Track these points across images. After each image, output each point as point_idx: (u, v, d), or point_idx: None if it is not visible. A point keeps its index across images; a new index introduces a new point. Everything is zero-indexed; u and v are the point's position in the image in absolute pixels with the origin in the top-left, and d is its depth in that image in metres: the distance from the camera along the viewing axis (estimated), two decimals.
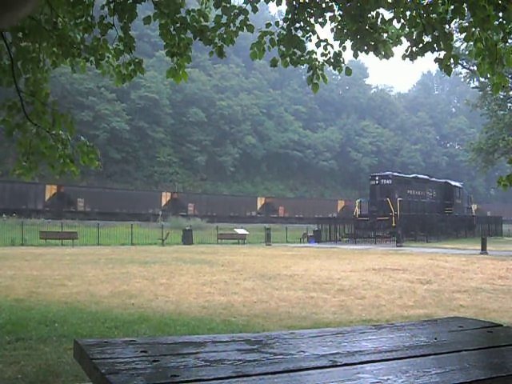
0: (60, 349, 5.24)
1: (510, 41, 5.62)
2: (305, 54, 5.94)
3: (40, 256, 18.32)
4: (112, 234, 31.18)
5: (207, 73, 70.96)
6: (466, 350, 1.89)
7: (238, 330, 6.36)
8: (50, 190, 44.04)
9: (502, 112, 34.11)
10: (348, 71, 6.02)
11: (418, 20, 5.43)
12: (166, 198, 51.09)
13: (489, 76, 5.81)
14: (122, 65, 6.19)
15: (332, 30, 5.80)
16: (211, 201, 54.05)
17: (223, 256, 19.53)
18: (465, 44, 23.93)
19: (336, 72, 6.45)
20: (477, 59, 5.60)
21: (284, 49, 5.83)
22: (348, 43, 5.78)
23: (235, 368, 1.57)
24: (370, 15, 5.57)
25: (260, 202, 58.20)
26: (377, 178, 36.01)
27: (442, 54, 5.56)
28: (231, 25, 5.73)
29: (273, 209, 58.18)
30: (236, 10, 5.69)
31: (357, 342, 2.00)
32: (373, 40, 5.60)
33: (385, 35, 5.69)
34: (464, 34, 5.67)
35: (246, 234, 33.80)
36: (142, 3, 5.63)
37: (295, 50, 5.85)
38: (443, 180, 44.18)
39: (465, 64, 30.90)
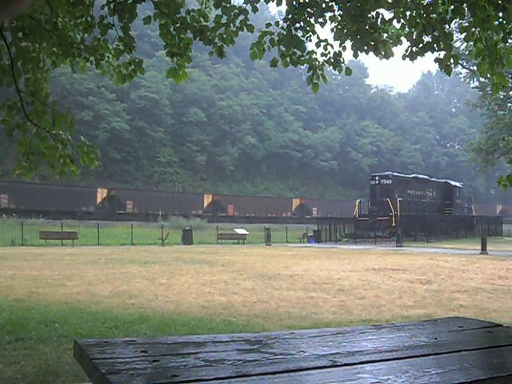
0: (60, 349, 5.24)
1: (510, 41, 5.62)
2: (305, 54, 5.94)
3: (40, 256, 18.32)
4: (112, 233, 31.17)
5: (207, 73, 70.95)
6: (466, 350, 1.89)
7: (238, 330, 6.36)
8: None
9: (502, 112, 34.10)
10: (348, 71, 6.02)
11: (418, 20, 5.44)
12: (101, 194, 48.59)
13: (489, 76, 5.82)
14: (121, 65, 6.19)
15: (332, 30, 5.80)
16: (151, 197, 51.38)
17: (223, 256, 19.52)
18: (465, 44, 23.93)
19: (336, 72, 6.45)
20: (477, 59, 5.60)
21: (284, 49, 5.83)
22: (348, 43, 5.79)
23: (235, 368, 1.57)
24: (370, 15, 5.58)
25: (207, 199, 55.66)
26: (377, 178, 36.01)
27: (442, 54, 5.57)
28: (231, 25, 5.73)
29: (221, 207, 55.54)
30: (236, 10, 5.69)
31: (357, 342, 2.00)
32: (373, 40, 5.60)
33: (385, 35, 5.69)
34: (464, 34, 5.67)
35: (246, 234, 33.79)
36: (142, 3, 5.63)
37: (295, 49, 5.84)
38: (443, 180, 44.17)
39: (465, 64, 30.90)
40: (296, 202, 60.58)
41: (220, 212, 53.31)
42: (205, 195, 54.57)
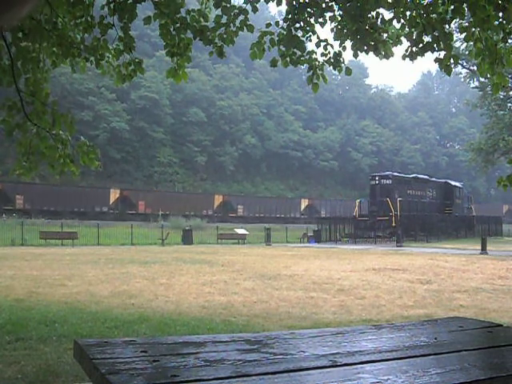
0: (60, 349, 5.24)
1: (510, 41, 5.62)
2: (305, 54, 5.94)
3: (40, 256, 18.32)
4: (112, 233, 31.17)
5: (207, 73, 70.95)
6: (466, 350, 1.89)
7: (238, 330, 6.36)
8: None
9: (502, 112, 34.10)
10: (348, 71, 6.02)
11: (418, 20, 5.43)
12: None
13: (489, 76, 5.81)
14: (121, 65, 6.18)
15: (332, 29, 5.80)
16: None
17: (223, 256, 19.53)
18: (465, 44, 23.93)
19: (336, 72, 6.44)
20: (477, 59, 5.60)
21: (284, 49, 5.82)
22: (348, 43, 5.78)
23: (235, 368, 1.57)
24: (370, 15, 5.57)
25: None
26: (377, 178, 36.01)
27: (442, 54, 5.57)
28: (231, 25, 5.72)
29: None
30: (236, 10, 5.69)
31: (357, 342, 2.00)
32: (373, 40, 5.60)
33: (385, 35, 5.69)
34: (464, 34, 5.67)
35: (245, 234, 33.79)
36: (142, 3, 5.62)
37: (295, 49, 5.84)
38: (443, 180, 44.18)
39: (465, 64, 30.89)
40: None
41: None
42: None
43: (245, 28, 5.74)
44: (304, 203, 60.62)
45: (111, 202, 47.14)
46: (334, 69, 6.05)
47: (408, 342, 2.02)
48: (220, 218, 49.73)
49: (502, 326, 2.46)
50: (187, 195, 54.35)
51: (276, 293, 9.93)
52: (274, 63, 5.93)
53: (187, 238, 30.22)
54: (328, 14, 5.69)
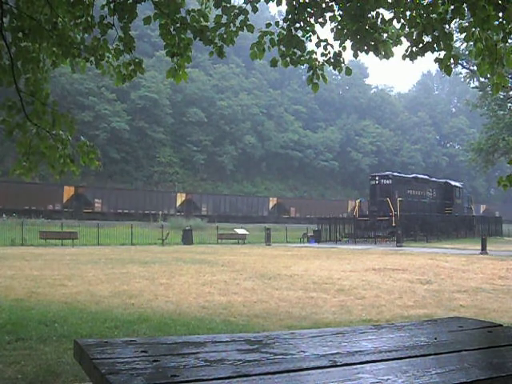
0: (60, 349, 5.24)
1: (510, 41, 5.61)
2: (305, 54, 5.93)
3: (40, 256, 18.32)
4: (112, 234, 31.17)
5: (207, 73, 70.94)
6: (466, 350, 1.89)
7: (238, 330, 6.36)
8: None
9: (502, 112, 34.09)
10: (348, 71, 6.02)
11: (417, 20, 5.43)
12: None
13: (489, 76, 5.81)
14: (121, 65, 6.18)
15: (332, 29, 5.79)
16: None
17: (223, 256, 19.53)
18: (465, 44, 23.99)
19: (336, 72, 6.44)
20: (477, 59, 5.59)
21: (284, 49, 5.82)
22: (348, 43, 5.78)
23: (235, 368, 1.57)
24: (370, 15, 5.57)
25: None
26: (377, 178, 36.00)
27: (442, 54, 5.57)
28: (231, 25, 5.72)
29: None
30: (236, 10, 5.68)
31: (357, 342, 2.00)
32: (373, 40, 5.59)
33: (385, 35, 5.69)
34: (464, 34, 5.67)
35: (246, 234, 33.81)
36: (142, 3, 5.62)
37: (295, 49, 5.84)
38: (443, 180, 44.18)
39: (465, 64, 30.90)
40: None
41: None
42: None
43: (245, 28, 5.74)
44: (272, 202, 58.91)
45: (65, 200, 44.32)
46: (334, 69, 6.05)
47: (408, 342, 2.02)
48: (184, 217, 46.47)
49: (501, 325, 2.46)
50: (148, 193, 51.60)
51: (276, 293, 9.93)
52: (273, 63, 5.92)
53: (187, 238, 30.23)
54: (328, 14, 5.68)
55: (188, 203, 52.00)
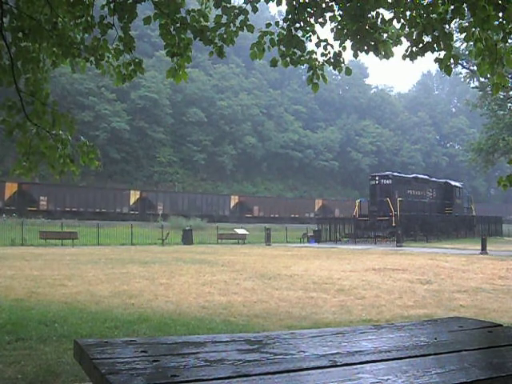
0: (60, 349, 5.24)
1: (510, 41, 5.61)
2: (305, 54, 5.93)
3: (40, 256, 18.31)
4: (112, 234, 31.18)
5: (207, 73, 70.97)
6: (466, 350, 1.89)
7: (238, 330, 6.36)
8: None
9: (502, 112, 34.09)
10: (348, 71, 6.02)
11: (418, 20, 5.43)
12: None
13: (489, 76, 5.81)
14: (121, 65, 6.18)
15: (332, 29, 5.79)
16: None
17: (223, 256, 19.53)
18: (465, 44, 23.98)
19: (336, 72, 6.44)
20: (477, 59, 5.59)
21: (284, 49, 5.82)
22: (348, 43, 5.78)
23: (235, 368, 1.57)
24: (370, 15, 5.57)
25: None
26: (377, 178, 36.01)
27: (442, 54, 5.56)
28: (231, 25, 5.72)
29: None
30: (236, 10, 5.68)
31: (357, 342, 2.00)
32: (373, 40, 5.59)
33: (385, 35, 5.69)
34: (464, 34, 5.66)
35: (246, 234, 33.82)
36: (142, 3, 5.62)
37: (295, 50, 5.84)
38: (443, 180, 44.18)
39: (465, 64, 30.89)
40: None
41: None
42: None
43: (245, 28, 5.74)
44: (234, 201, 56.20)
45: (6, 198, 41.76)
46: (334, 69, 6.05)
47: (408, 342, 2.01)
48: (137, 217, 45.22)
49: (501, 325, 2.46)
50: (100, 190, 48.03)
51: (276, 293, 9.93)
52: (273, 63, 5.92)
53: (187, 238, 30.23)
54: (328, 14, 5.68)
55: (142, 201, 49.26)
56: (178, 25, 5.72)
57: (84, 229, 31.37)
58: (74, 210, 43.84)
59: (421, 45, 5.52)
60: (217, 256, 19.52)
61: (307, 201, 62.55)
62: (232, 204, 55.83)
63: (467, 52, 20.17)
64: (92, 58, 5.98)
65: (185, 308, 8.13)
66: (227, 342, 1.94)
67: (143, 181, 59.50)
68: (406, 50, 5.64)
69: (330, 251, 23.74)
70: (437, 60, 5.65)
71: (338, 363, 1.67)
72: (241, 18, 5.71)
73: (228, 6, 5.65)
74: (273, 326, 6.71)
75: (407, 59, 5.66)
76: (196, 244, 30.18)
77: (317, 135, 76.56)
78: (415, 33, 5.53)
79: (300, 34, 5.79)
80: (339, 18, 5.68)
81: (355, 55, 5.76)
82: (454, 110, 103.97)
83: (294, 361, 1.69)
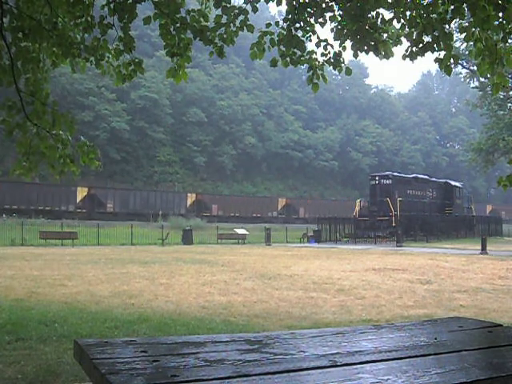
0: (60, 349, 5.24)
1: (510, 41, 5.61)
2: (305, 54, 5.93)
3: (40, 256, 18.32)
4: (112, 234, 31.18)
5: (207, 73, 70.96)
6: (466, 350, 1.89)
7: (238, 330, 6.36)
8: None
9: (502, 112, 34.11)
10: (348, 71, 6.01)
11: (418, 20, 5.43)
12: None
13: (489, 76, 5.81)
14: (121, 65, 6.18)
15: (332, 29, 5.79)
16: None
17: (223, 256, 19.53)
18: (465, 44, 24.00)
19: (336, 72, 6.44)
20: (477, 59, 5.59)
21: (284, 49, 5.82)
22: (348, 43, 5.77)
23: (235, 368, 1.57)
24: (370, 15, 5.57)
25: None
26: (377, 178, 36.02)
27: (442, 54, 5.56)
28: (231, 25, 5.72)
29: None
30: (236, 10, 5.68)
31: (357, 342, 2.00)
32: (373, 40, 5.59)
33: (385, 35, 5.69)
34: (464, 34, 5.66)
35: (246, 234, 33.83)
36: (142, 3, 5.62)
37: (295, 50, 5.84)
38: (443, 180, 44.19)
39: (465, 64, 30.91)
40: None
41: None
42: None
43: (245, 28, 5.74)
44: (191, 199, 53.76)
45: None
46: (334, 69, 6.05)
47: (408, 342, 2.01)
48: (84, 216, 42.80)
49: (501, 325, 2.46)
50: (46, 187, 43.32)
51: (276, 293, 9.93)
52: (273, 63, 5.92)
53: (187, 238, 30.24)
54: (328, 14, 5.68)
55: (90, 198, 46.05)
56: (178, 25, 5.72)
57: (84, 229, 31.38)
58: (14, 207, 40.36)
59: (421, 45, 5.52)
60: (217, 256, 19.52)
61: (270, 199, 60.41)
62: (189, 202, 53.42)
63: (467, 52, 20.18)
64: (92, 58, 5.98)
65: (185, 308, 8.13)
66: (227, 342, 1.94)
67: (143, 181, 59.53)
68: (406, 50, 5.64)
69: (330, 251, 23.74)
70: (437, 60, 5.65)
71: (338, 363, 1.67)
72: (241, 18, 5.71)
73: (228, 5, 5.65)
74: (273, 326, 6.71)
75: (407, 59, 5.66)
76: (196, 244, 30.19)
77: (317, 135, 76.56)
78: (415, 33, 5.52)
79: (300, 34, 5.79)
80: (339, 18, 5.68)
81: (355, 55, 5.76)
82: (453, 109, 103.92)
83: (294, 361, 1.69)
